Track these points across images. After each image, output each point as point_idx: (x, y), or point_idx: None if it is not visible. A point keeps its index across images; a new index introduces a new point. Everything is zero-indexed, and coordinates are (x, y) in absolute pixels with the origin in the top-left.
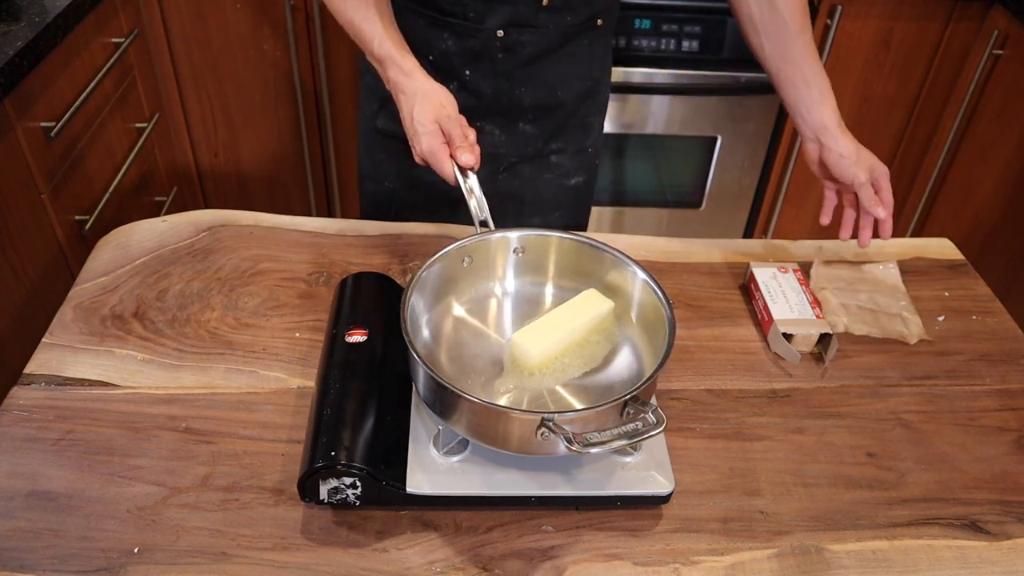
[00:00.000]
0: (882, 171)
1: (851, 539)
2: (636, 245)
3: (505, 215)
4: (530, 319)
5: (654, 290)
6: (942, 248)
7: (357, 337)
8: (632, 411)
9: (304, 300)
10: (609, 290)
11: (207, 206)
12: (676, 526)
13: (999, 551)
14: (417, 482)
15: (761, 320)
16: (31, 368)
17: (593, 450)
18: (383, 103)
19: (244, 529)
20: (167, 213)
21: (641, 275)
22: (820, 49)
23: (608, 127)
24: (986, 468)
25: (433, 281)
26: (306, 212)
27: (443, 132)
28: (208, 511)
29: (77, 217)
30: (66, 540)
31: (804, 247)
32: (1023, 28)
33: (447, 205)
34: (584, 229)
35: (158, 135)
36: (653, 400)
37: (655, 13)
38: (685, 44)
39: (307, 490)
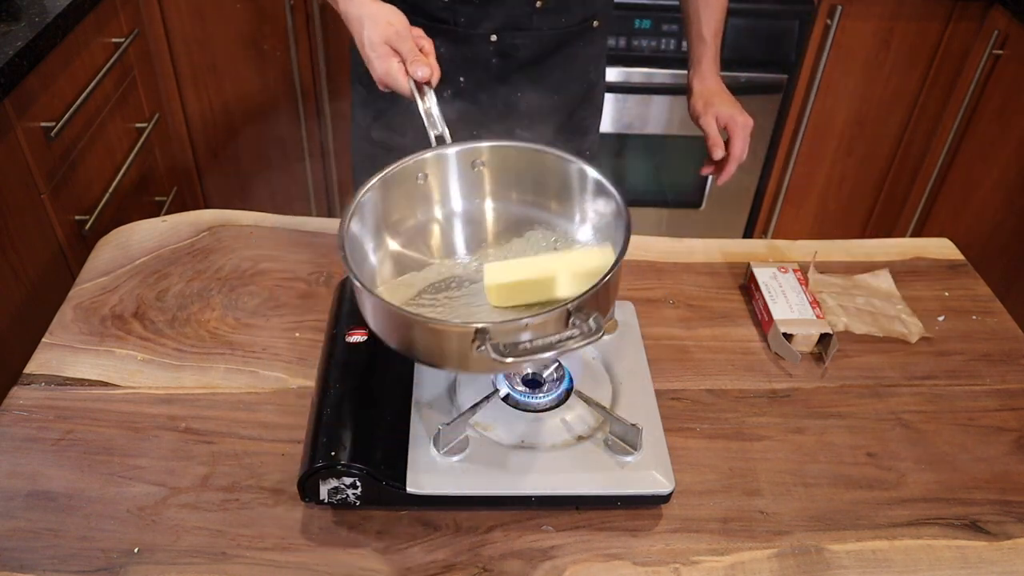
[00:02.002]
0: (739, 122)
1: (851, 539)
2: (636, 245)
3: None
4: (483, 242)
5: (610, 192)
6: (942, 248)
7: (357, 337)
8: (577, 323)
9: (304, 300)
10: (564, 200)
11: (207, 206)
12: (676, 526)
13: (999, 551)
14: (417, 482)
15: (761, 320)
16: (31, 368)
17: (525, 358)
18: (378, 114)
19: (244, 529)
20: (167, 213)
21: (592, 175)
22: (820, 49)
23: (608, 127)
24: (986, 468)
25: (383, 202)
26: (306, 212)
27: (395, 51)
28: (208, 511)
29: (77, 217)
30: (66, 540)
31: (804, 247)
32: (1023, 28)
33: None
34: None
35: (158, 135)
36: (613, 312)
37: (655, 13)
38: (685, 44)
39: (307, 490)
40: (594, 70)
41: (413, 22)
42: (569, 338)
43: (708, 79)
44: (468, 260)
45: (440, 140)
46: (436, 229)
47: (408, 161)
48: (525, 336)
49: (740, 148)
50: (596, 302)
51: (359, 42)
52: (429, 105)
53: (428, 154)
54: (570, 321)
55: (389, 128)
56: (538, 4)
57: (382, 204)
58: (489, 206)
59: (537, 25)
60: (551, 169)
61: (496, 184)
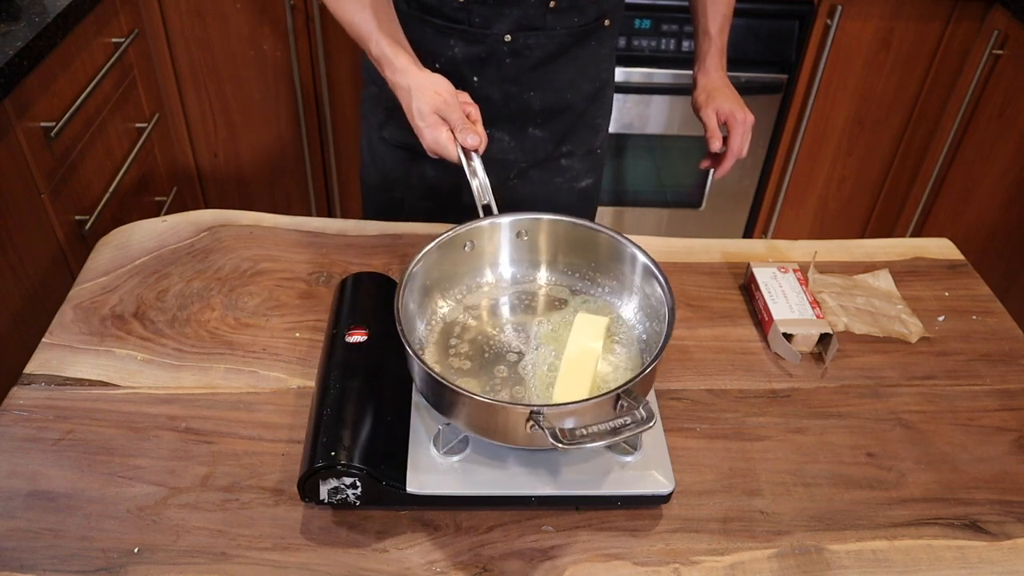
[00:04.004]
0: (739, 118)
1: (851, 539)
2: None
3: None
4: (529, 309)
5: (656, 277)
6: (942, 248)
7: (357, 337)
8: (625, 405)
9: (304, 300)
10: (611, 276)
11: (207, 206)
12: (676, 526)
13: (999, 551)
14: (417, 482)
15: (761, 320)
16: (31, 368)
17: (581, 445)
18: (390, 113)
19: (244, 529)
20: (167, 213)
21: (642, 259)
22: (820, 49)
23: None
24: (986, 468)
25: (431, 270)
26: (306, 212)
27: (444, 120)
28: (208, 511)
29: (77, 217)
30: (66, 540)
31: (804, 247)
32: (1023, 28)
33: (464, 212)
34: None
35: (158, 135)
36: (652, 395)
37: (655, 13)
38: (685, 44)
39: (307, 490)
40: (605, 68)
41: (428, 23)
42: (624, 427)
43: (712, 73)
44: (511, 330)
45: (487, 211)
46: (482, 297)
47: (459, 230)
48: (571, 419)
49: (738, 144)
50: (643, 385)
51: (407, 111)
52: (478, 173)
53: (476, 224)
54: (618, 404)
55: (401, 127)
56: (551, 4)
57: (433, 270)
58: (534, 275)
59: (550, 25)
60: (594, 242)
61: (541, 254)
